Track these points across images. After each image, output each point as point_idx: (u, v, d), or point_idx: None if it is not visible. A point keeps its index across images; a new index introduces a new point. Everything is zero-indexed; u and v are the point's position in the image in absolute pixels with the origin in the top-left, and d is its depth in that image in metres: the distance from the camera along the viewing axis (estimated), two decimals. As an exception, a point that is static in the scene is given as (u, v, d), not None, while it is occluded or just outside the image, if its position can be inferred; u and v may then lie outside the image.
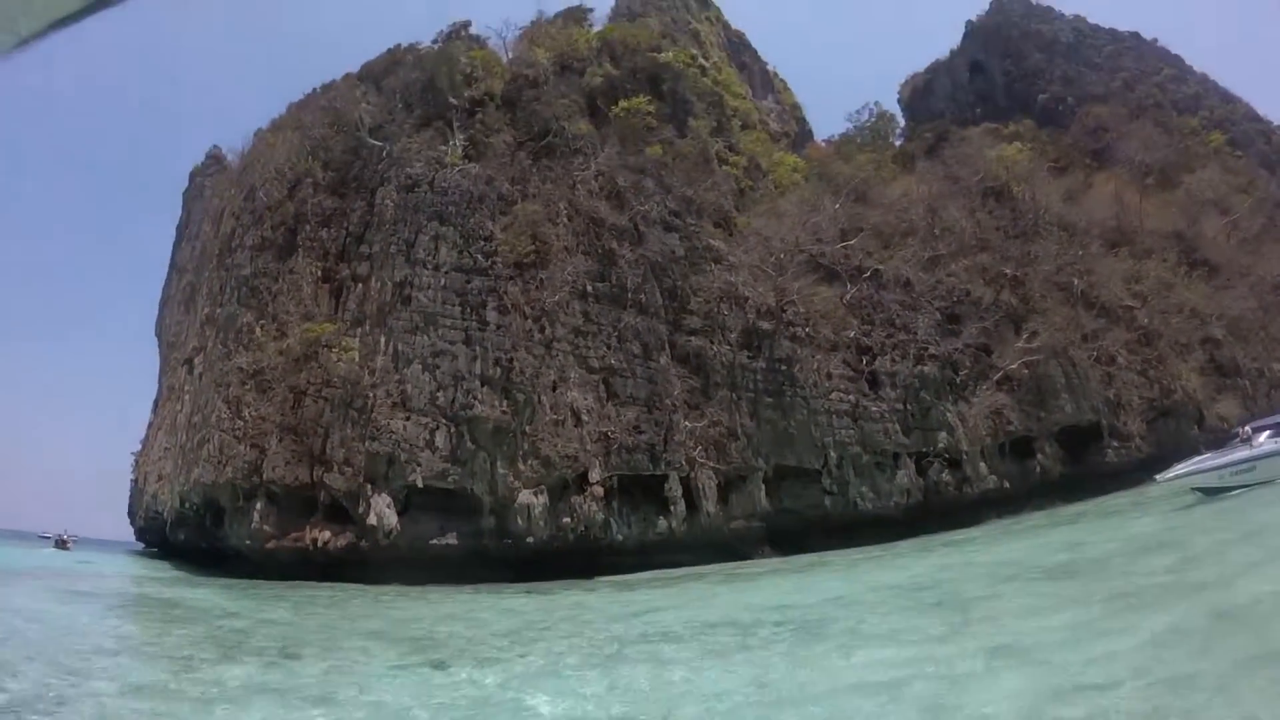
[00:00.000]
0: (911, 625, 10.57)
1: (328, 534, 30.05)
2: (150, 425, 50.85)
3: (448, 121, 35.19)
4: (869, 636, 9.67)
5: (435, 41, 42.59)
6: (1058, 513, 30.85)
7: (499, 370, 28.60)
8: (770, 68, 58.42)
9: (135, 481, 53.03)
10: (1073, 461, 35.69)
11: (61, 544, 56.03)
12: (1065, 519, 28.74)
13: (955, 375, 33.85)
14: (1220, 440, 25.01)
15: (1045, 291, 38.95)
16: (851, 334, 32.77)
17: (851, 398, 30.99)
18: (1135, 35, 58.25)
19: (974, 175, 42.21)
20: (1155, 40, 58.12)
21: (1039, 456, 34.91)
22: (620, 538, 28.39)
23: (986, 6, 61.01)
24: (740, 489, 29.96)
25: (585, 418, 28.21)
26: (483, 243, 30.78)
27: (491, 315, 29.40)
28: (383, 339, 30.68)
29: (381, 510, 28.57)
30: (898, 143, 53.32)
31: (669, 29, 47.19)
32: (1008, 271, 38.65)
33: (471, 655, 12.33)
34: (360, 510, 29.17)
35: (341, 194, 35.50)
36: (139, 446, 53.03)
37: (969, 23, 61.36)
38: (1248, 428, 20.15)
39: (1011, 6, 59.69)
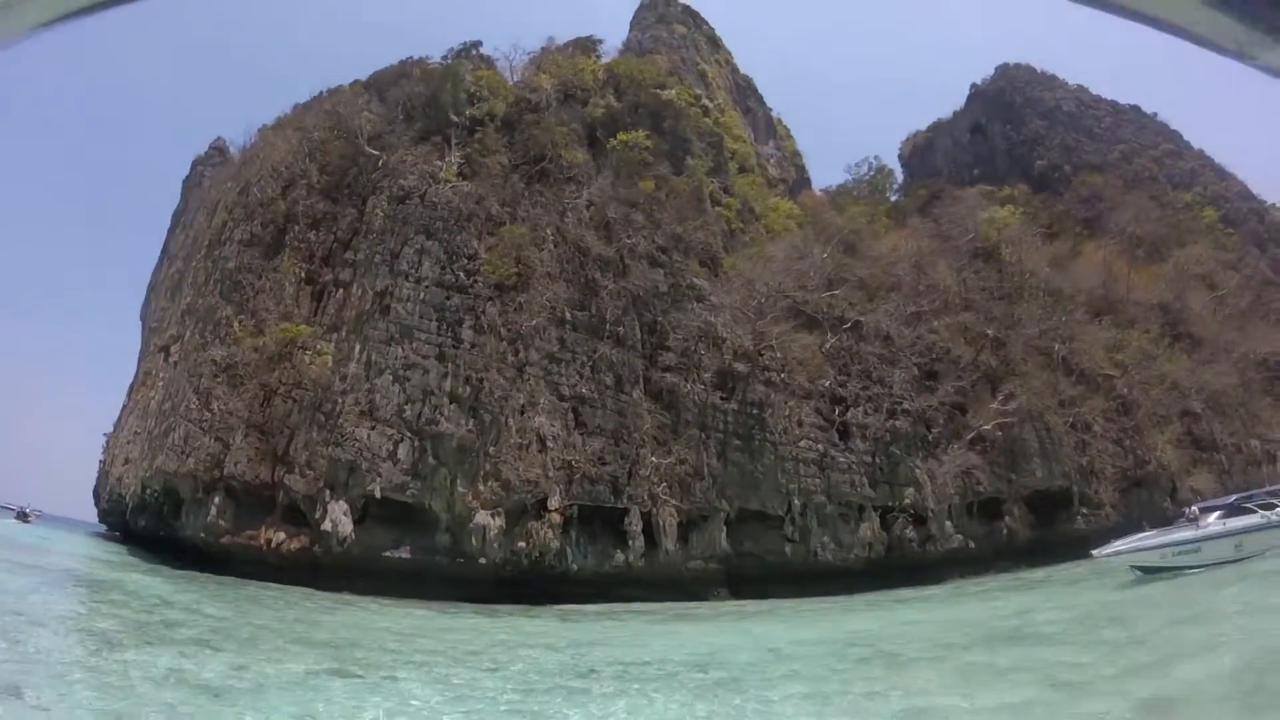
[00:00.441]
0: (824, 686, 10.40)
1: (283, 535, 29.78)
2: (124, 408, 50.56)
3: (446, 137, 35.63)
4: (769, 698, 9.51)
5: (445, 58, 43.34)
6: (1021, 576, 30.65)
7: (468, 389, 28.56)
8: (775, 114, 59.46)
9: (103, 463, 52.61)
10: (1042, 526, 35.49)
11: (22, 517, 55.38)
12: (1026, 584, 28.53)
13: (928, 432, 33.84)
14: (1168, 518, 24.61)
15: (1026, 355, 39.13)
16: (827, 383, 32.80)
17: (820, 446, 30.91)
18: (1136, 108, 59.45)
19: (964, 235, 42.69)
20: (1155, 114, 59.35)
21: (1007, 519, 34.71)
22: (575, 567, 28.09)
23: (992, 71, 62.43)
24: (701, 529, 29.73)
25: (550, 444, 28.09)
26: (466, 261, 30.95)
27: (467, 333, 29.46)
28: (357, 346, 30.68)
29: (338, 517, 28.33)
30: (894, 198, 54.00)
31: (677, 67, 48.03)
32: (989, 332, 38.87)
33: (381, 669, 12.38)
34: (317, 515, 28.93)
35: (334, 198, 35.78)
36: (111, 428, 52.76)
37: (973, 85, 62.71)
38: (1195, 507, 19.78)
39: (1016, 73, 60.98)
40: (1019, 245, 42.99)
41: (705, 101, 46.32)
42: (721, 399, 31.20)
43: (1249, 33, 1.28)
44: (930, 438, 33.66)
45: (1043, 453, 36.24)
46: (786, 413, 31.04)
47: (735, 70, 57.94)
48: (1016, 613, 19.24)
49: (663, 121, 41.10)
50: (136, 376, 50.89)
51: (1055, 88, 59.65)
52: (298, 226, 35.33)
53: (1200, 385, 43.24)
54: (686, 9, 57.25)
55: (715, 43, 57.64)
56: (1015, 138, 57.59)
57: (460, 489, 27.39)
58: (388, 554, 27.91)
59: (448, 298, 30.19)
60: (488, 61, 43.86)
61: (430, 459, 27.71)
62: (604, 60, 45.11)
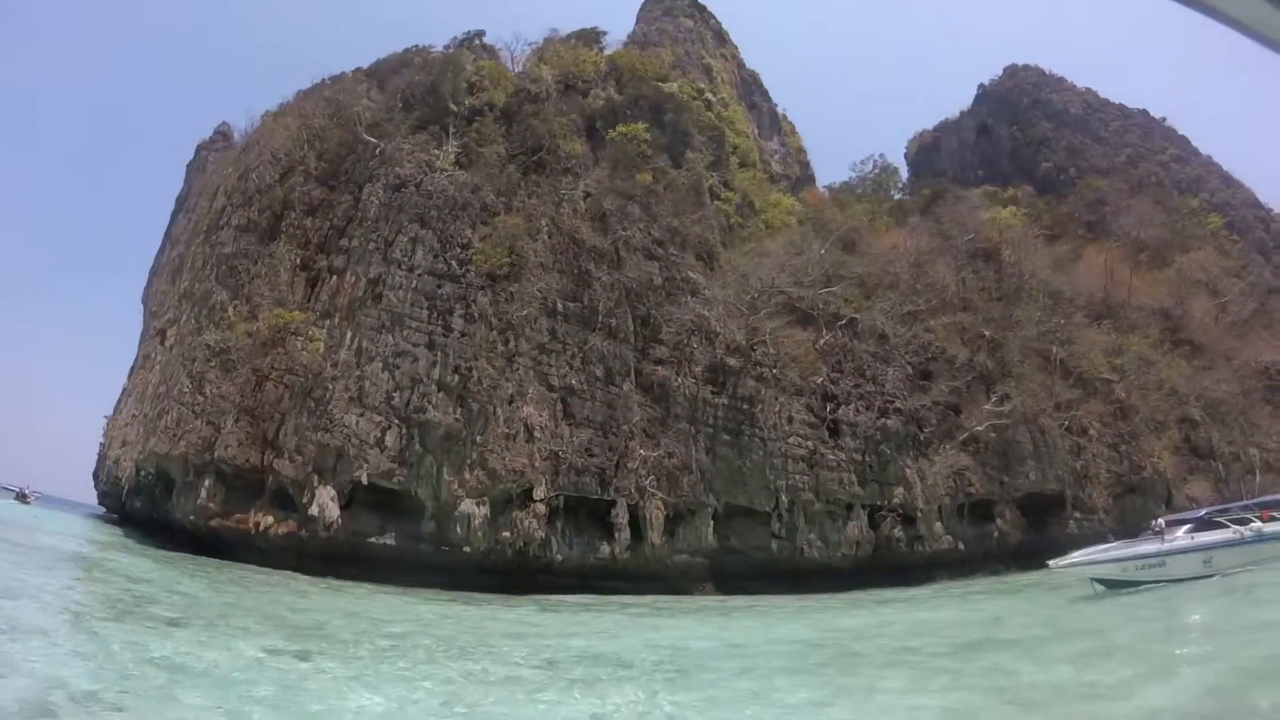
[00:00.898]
0: (776, 686, 10.34)
1: (271, 519, 29.94)
2: (124, 391, 50.91)
3: (444, 126, 35.59)
4: (717, 699, 9.45)
5: (448, 47, 43.29)
6: (1009, 580, 30.42)
7: (457, 377, 28.57)
8: (780, 110, 59.15)
9: (103, 446, 53.00)
10: (1033, 529, 35.26)
11: (22, 497, 55.98)
12: (1013, 588, 28.30)
13: (920, 431, 33.64)
14: (1134, 530, 23.41)
15: (1023, 357, 38.83)
16: (819, 380, 32.64)
17: (810, 443, 30.79)
18: (1144, 113, 58.86)
19: (965, 235, 42.36)
20: (1164, 119, 58.78)
21: (999, 521, 34.51)
22: (560, 558, 28.10)
23: (1000, 71, 61.87)
24: (688, 523, 29.66)
25: (538, 434, 28.08)
26: (459, 250, 30.94)
27: (457, 322, 29.46)
28: (349, 333, 30.75)
29: (325, 502, 28.43)
30: (898, 197, 53.66)
31: (681, 61, 47.82)
32: (986, 333, 38.58)
33: (343, 652, 12.51)
34: (305, 500, 29.05)
35: (331, 186, 35.83)
36: (112, 411, 53.12)
37: (981, 86, 62.18)
38: (1161, 521, 19.09)
39: (1024, 74, 60.47)
40: (1019, 246, 42.65)
41: (708, 95, 46.10)
42: (712, 393, 31.10)
43: None
44: (922, 437, 33.47)
45: (1036, 455, 35.99)
46: (777, 409, 30.92)
47: (741, 65, 57.64)
48: (993, 618, 19.02)
49: (664, 114, 40.93)
50: (136, 360, 51.24)
51: (1063, 90, 59.12)
52: (294, 213, 35.41)
53: (1200, 392, 42.85)
54: (694, 3, 56.95)
55: (722, 37, 57.37)
56: (1021, 139, 57.14)
57: (446, 477, 27.43)
58: (373, 540, 28.01)
59: (439, 286, 30.20)
60: (490, 51, 43.81)
61: (417, 446, 27.76)
62: (607, 52, 44.98)
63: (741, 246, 38.46)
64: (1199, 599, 16.02)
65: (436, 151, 34.59)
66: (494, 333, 29.42)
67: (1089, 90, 59.14)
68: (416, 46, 44.85)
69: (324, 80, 42.70)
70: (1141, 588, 16.89)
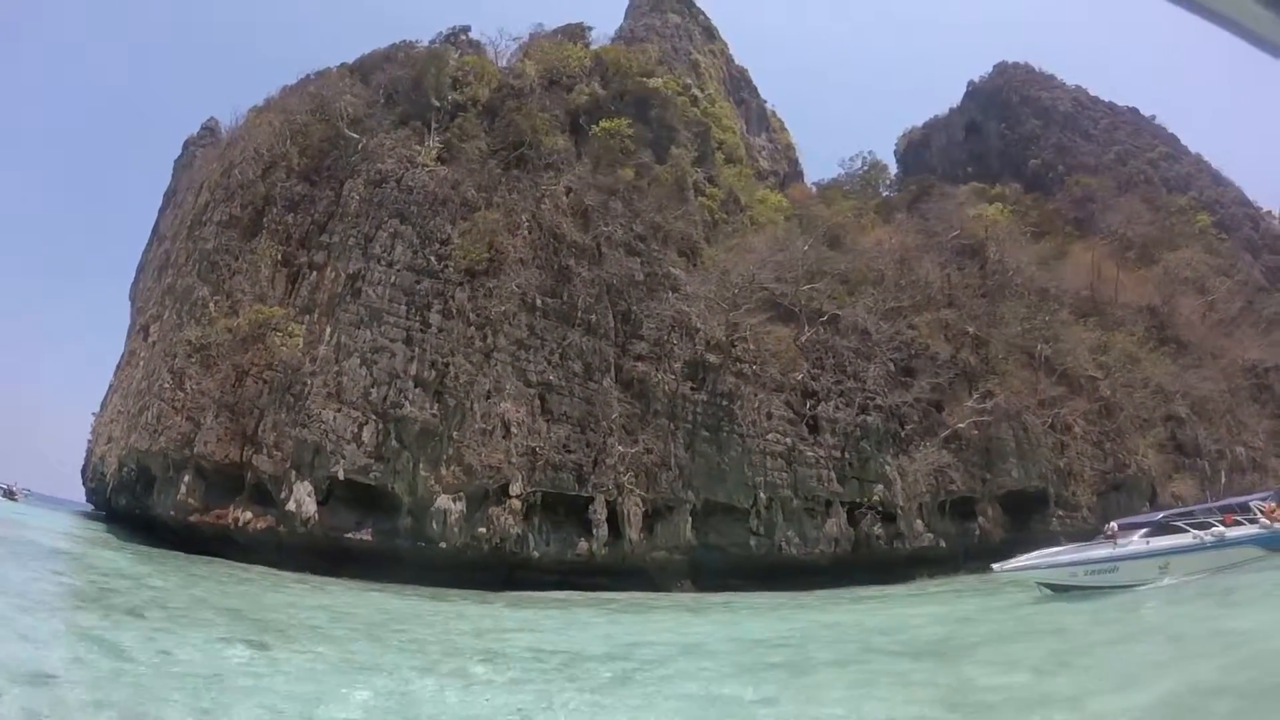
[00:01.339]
0: (720, 688, 10.23)
1: (249, 515, 29.91)
2: (110, 387, 50.84)
3: (426, 122, 35.48)
4: (652, 696, 9.40)
5: (434, 43, 43.17)
6: (990, 579, 30.31)
7: (434, 373, 28.52)
8: (769, 106, 58.99)
9: (90, 442, 52.96)
10: (1016, 527, 35.21)
11: (9, 495, 55.97)
12: (991, 588, 28.07)
13: (901, 428, 33.61)
14: (1085, 535, 22.82)
15: (1007, 353, 38.77)
16: (799, 376, 32.60)
17: (788, 440, 30.75)
18: (1134, 111, 58.78)
19: (950, 231, 42.30)
20: (1153, 118, 58.68)
21: (980, 519, 34.49)
22: (537, 555, 28.07)
23: (990, 69, 61.75)
24: (666, 520, 29.63)
25: (515, 430, 28.03)
26: (438, 245, 30.86)
27: (435, 318, 29.39)
28: (328, 329, 30.68)
29: (302, 497, 28.39)
30: (886, 194, 53.57)
31: (667, 56, 47.71)
32: (970, 330, 38.54)
33: (298, 644, 12.54)
34: (283, 495, 29.00)
35: (313, 181, 35.71)
36: (100, 408, 53.05)
37: (970, 83, 62.05)
38: (1114, 524, 18.41)
39: (1014, 72, 60.35)
40: (1004, 243, 42.60)
41: (695, 91, 46.00)
42: (692, 389, 31.06)
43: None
44: (903, 434, 33.43)
45: (1019, 453, 35.93)
46: (756, 405, 30.88)
47: (730, 61, 57.50)
48: (963, 618, 18.67)
49: (648, 110, 40.84)
50: (123, 356, 51.16)
51: (1053, 88, 59.01)
52: (276, 209, 35.31)
53: (1186, 390, 42.82)
54: (683, -1, 56.78)
55: (711, 33, 57.23)
56: (1010, 136, 57.05)
57: (423, 472, 27.39)
58: (350, 536, 27.98)
59: (418, 281, 30.14)
60: (476, 47, 43.71)
61: (394, 442, 27.72)
62: (594, 48, 44.84)
63: (725, 243, 38.38)
64: (1170, 604, 15.58)
65: (418, 147, 34.51)
66: (472, 328, 29.36)
67: (1078, 88, 59.09)
68: (405, 42, 44.76)
69: (309, 76, 42.57)
70: (1090, 594, 16.30)
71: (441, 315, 29.43)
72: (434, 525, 27.15)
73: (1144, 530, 17.42)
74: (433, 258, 30.59)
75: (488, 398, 28.35)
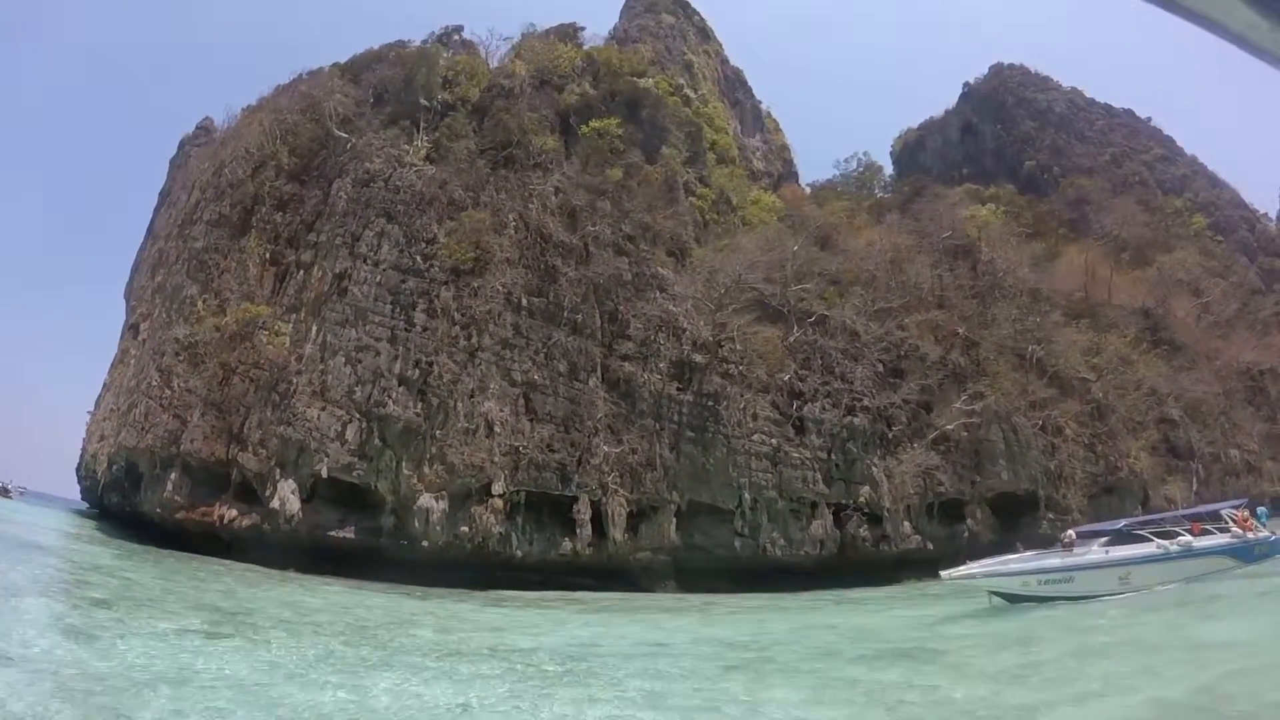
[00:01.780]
0: (666, 690, 10.14)
1: (234, 512, 29.98)
2: (104, 386, 50.95)
3: (415, 121, 35.51)
4: (594, 698, 9.34)
5: (426, 42, 43.23)
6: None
7: (417, 372, 28.52)
8: (764, 107, 58.93)
9: (85, 440, 53.11)
10: (1005, 529, 35.02)
11: (4, 492, 56.26)
12: (971, 593, 27.97)
13: (888, 430, 33.47)
14: (1044, 543, 21.88)
15: (998, 355, 38.61)
16: (786, 377, 32.49)
17: (774, 441, 30.64)
18: (1129, 112, 58.59)
19: (942, 232, 42.18)
20: (1149, 119, 58.45)
21: (969, 521, 34.32)
22: (520, 554, 28.03)
23: (986, 70, 61.60)
24: (651, 520, 29.55)
25: (498, 429, 28.00)
26: (424, 245, 30.88)
27: (419, 317, 29.40)
28: (314, 328, 30.72)
29: (286, 495, 28.44)
30: (880, 194, 53.47)
31: (661, 57, 47.68)
32: (961, 331, 38.38)
33: (253, 635, 12.61)
34: (267, 493, 29.05)
35: (302, 180, 35.79)
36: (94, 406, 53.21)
37: (966, 85, 61.90)
38: (1071, 532, 17.87)
39: (1009, 73, 60.18)
40: (996, 244, 42.46)
41: (687, 91, 45.95)
42: (678, 389, 30.98)
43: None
44: (890, 435, 33.29)
45: (1009, 455, 35.73)
46: (742, 405, 30.79)
47: (725, 62, 57.46)
48: (937, 623, 18.21)
49: (639, 110, 40.80)
50: (117, 355, 51.31)
51: (1048, 89, 58.84)
52: (264, 208, 35.39)
53: (1179, 392, 42.61)
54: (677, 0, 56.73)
55: (705, 34, 57.20)
56: (1005, 138, 56.92)
57: (405, 471, 27.38)
58: (333, 534, 27.99)
59: (403, 280, 30.15)
60: (469, 47, 43.76)
61: (376, 440, 27.73)
62: (586, 47, 44.85)
63: (715, 243, 38.30)
64: (1134, 616, 15.07)
65: (407, 146, 34.56)
66: (456, 327, 29.36)
67: (1074, 89, 58.88)
68: (398, 41, 44.81)
69: (301, 75, 42.65)
70: (1045, 604, 15.68)
71: (426, 314, 29.44)
72: (416, 524, 27.14)
73: (1104, 539, 16.87)
74: (418, 257, 30.60)
75: (471, 397, 28.33)
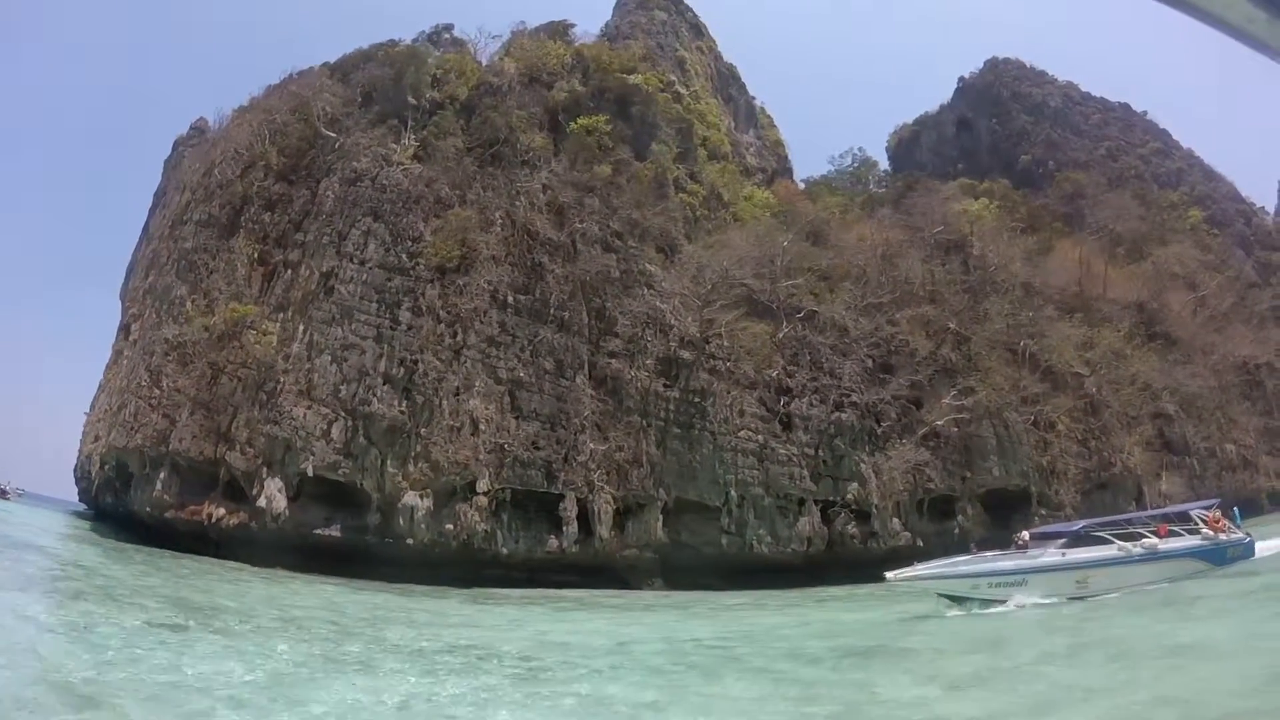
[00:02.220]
0: (615, 690, 10.03)
1: (223, 511, 30.09)
2: (99, 387, 51.09)
3: (403, 120, 35.48)
4: (538, 696, 9.28)
5: (417, 41, 43.19)
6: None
7: (403, 370, 28.53)
8: (758, 103, 58.68)
9: (81, 441, 53.29)
10: (997, 526, 34.80)
11: (1, 494, 56.54)
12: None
13: (877, 426, 33.31)
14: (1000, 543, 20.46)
15: (989, 350, 38.37)
16: (774, 373, 32.39)
17: (760, 438, 30.56)
18: (1125, 106, 58.22)
19: (934, 227, 41.93)
20: (1145, 113, 58.06)
21: (960, 518, 34.13)
22: (505, 551, 28.03)
23: (981, 64, 61.29)
24: (638, 517, 29.52)
25: (483, 427, 28.00)
26: (410, 243, 30.87)
27: (405, 315, 29.41)
28: (301, 327, 30.76)
29: (272, 493, 28.51)
30: (875, 190, 53.24)
31: (653, 54, 47.51)
32: (952, 325, 38.15)
33: (221, 629, 12.72)
34: (254, 492, 29.12)
35: (291, 180, 35.82)
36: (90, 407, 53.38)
37: (961, 79, 61.58)
38: (1025, 534, 17.26)
39: (1004, 68, 59.84)
40: (989, 239, 42.20)
41: (679, 88, 45.78)
42: (664, 386, 30.92)
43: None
44: (879, 431, 33.13)
45: (1000, 450, 35.52)
46: (729, 402, 30.71)
47: (718, 58, 57.22)
48: (911, 621, 17.69)
49: (629, 107, 40.65)
50: (111, 356, 51.47)
51: (1044, 84, 58.49)
52: (253, 208, 35.44)
53: (1174, 387, 42.27)
54: (670, -5, 56.46)
55: (699, 30, 56.95)
56: (1000, 132, 56.62)
57: (390, 469, 27.40)
58: (319, 531, 28.04)
59: (389, 279, 30.16)
60: (459, 45, 43.69)
61: (362, 438, 27.76)
62: (576, 45, 44.71)
63: (705, 239, 38.17)
64: (1130, 614, 14.38)
65: (394, 145, 34.55)
66: (441, 325, 29.35)
67: (1070, 84, 58.53)
68: (389, 41, 44.78)
69: (291, 75, 42.66)
70: (993, 607, 15.05)
71: (411, 313, 29.44)
72: (401, 522, 27.16)
73: (1060, 541, 16.09)
74: (404, 255, 30.60)
75: (456, 395, 28.33)
